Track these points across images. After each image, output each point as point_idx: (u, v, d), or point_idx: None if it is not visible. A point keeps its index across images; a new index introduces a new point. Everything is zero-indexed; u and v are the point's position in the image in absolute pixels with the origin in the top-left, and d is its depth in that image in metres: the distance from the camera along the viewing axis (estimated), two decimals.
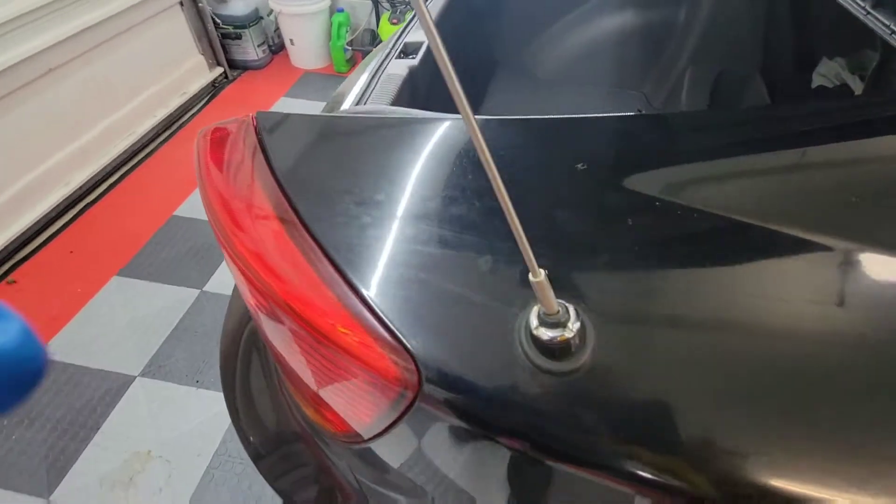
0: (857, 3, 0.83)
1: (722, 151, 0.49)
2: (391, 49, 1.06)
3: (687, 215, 0.38)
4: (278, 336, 0.41)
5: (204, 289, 1.71)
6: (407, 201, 0.39)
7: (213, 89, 2.74)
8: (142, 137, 2.29)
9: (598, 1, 1.50)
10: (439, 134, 0.47)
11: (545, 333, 0.29)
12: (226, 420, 1.37)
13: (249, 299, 0.42)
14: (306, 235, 0.35)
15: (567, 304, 0.29)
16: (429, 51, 1.06)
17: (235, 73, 2.88)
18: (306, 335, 0.34)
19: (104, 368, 1.47)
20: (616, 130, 0.51)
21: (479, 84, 1.62)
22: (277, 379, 0.65)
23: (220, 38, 2.71)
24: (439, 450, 0.35)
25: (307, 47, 2.87)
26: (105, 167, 2.11)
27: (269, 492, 1.22)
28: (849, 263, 0.36)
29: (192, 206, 2.01)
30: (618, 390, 0.29)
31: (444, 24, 1.26)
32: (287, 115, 0.45)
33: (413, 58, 1.02)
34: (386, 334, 0.31)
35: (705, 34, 1.38)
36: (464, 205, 0.39)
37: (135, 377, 1.46)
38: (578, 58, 1.62)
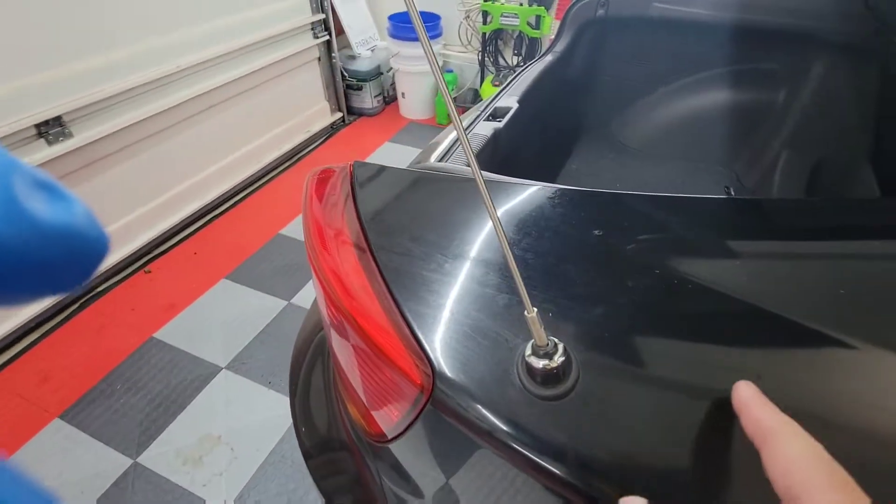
0: None
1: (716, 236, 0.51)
2: (483, 111, 1.19)
3: (678, 287, 0.42)
4: (340, 343, 0.50)
5: (291, 301, 1.91)
6: (449, 244, 0.47)
7: (332, 130, 3.13)
8: (266, 165, 2.68)
9: (694, 77, 1.53)
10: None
11: (536, 362, 0.34)
12: (286, 423, 1.50)
13: (323, 309, 0.52)
14: (371, 261, 0.44)
15: (557, 340, 0.34)
16: (514, 116, 1.17)
17: (352, 118, 3.26)
18: (358, 340, 0.42)
19: (199, 356, 1.70)
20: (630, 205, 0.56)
21: (565, 145, 1.70)
22: (335, 388, 0.74)
23: (344, 89, 3.12)
24: (445, 453, 0.40)
25: (416, 100, 3.19)
26: (234, 187, 2.49)
27: (311, 497, 1.30)
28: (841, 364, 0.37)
29: (296, 228, 2.29)
30: (591, 419, 0.33)
31: (538, 88, 1.37)
32: (376, 167, 0.56)
33: (500, 121, 1.14)
34: (414, 342, 0.39)
35: (806, 118, 1.34)
36: (491, 253, 0.46)
37: (221, 368, 1.66)
38: (669, 130, 1.65)
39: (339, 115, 3.17)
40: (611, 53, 1.56)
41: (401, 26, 2.91)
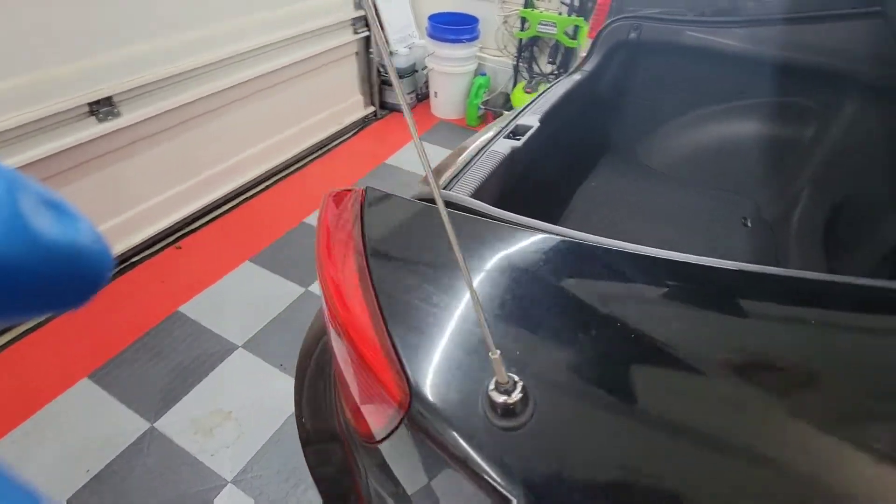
0: None
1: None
2: (504, 127, 1.23)
3: (633, 337, 0.45)
4: (337, 346, 0.55)
5: (308, 289, 1.99)
6: (439, 277, 0.51)
7: (363, 123, 3.20)
8: (298, 154, 2.77)
9: (723, 106, 1.52)
10: (476, 234, 0.58)
11: (497, 397, 0.39)
12: (293, 405, 1.58)
13: (325, 313, 0.58)
14: (369, 281, 0.49)
15: (517, 379, 0.38)
16: (533, 135, 1.19)
17: (384, 113, 3.33)
18: (350, 349, 0.47)
19: (219, 333, 1.80)
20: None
21: (586, 162, 1.72)
22: (333, 385, 0.79)
23: (379, 84, 3.18)
24: (420, 462, 0.45)
25: (448, 100, 3.23)
26: (265, 173, 2.59)
27: (307, 479, 1.38)
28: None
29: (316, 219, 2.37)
30: (541, 450, 0.37)
31: (563, 106, 1.39)
32: (386, 195, 0.60)
33: (518, 139, 1.17)
34: (397, 362, 0.43)
35: (833, 156, 1.32)
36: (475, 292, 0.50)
37: (238, 347, 1.75)
38: (694, 156, 1.64)
39: (372, 109, 3.24)
40: (641, 76, 1.57)
41: (439, 27, 2.95)
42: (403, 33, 3.16)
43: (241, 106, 2.39)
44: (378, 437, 0.53)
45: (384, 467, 0.58)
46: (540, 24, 2.74)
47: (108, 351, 1.71)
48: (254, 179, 2.53)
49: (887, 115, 1.22)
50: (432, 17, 3.02)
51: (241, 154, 2.48)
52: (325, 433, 0.82)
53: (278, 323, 1.85)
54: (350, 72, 3.02)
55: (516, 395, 0.38)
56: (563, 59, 2.87)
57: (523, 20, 2.82)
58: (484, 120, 3.22)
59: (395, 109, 3.35)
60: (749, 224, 1.44)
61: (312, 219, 2.36)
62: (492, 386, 0.40)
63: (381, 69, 3.16)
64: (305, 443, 0.84)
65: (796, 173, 1.38)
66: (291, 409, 1.57)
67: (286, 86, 2.58)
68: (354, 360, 0.47)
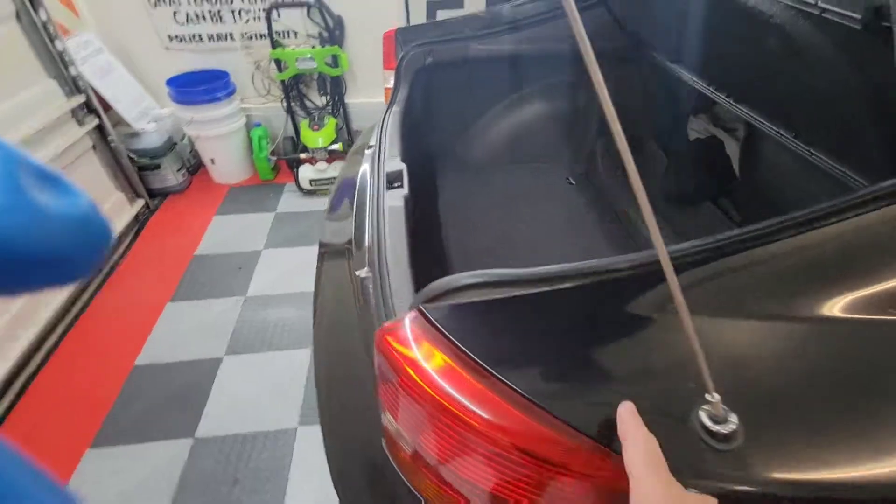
0: (720, 96, 1.18)
1: None
2: (378, 182, 1.21)
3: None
4: (480, 478, 0.50)
5: (196, 435, 1.63)
6: (580, 354, 0.52)
7: (138, 223, 2.66)
8: (74, 290, 2.16)
9: (514, 97, 1.81)
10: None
11: (716, 427, 0.45)
12: None
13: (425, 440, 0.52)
14: (516, 394, 0.47)
15: (726, 408, 0.45)
16: (409, 178, 1.23)
17: (156, 202, 2.82)
18: (521, 470, 0.45)
19: None
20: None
21: (427, 172, 1.83)
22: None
23: (137, 171, 2.67)
24: None
25: (229, 164, 2.92)
26: (40, 332, 1.95)
27: None
28: None
29: (153, 353, 1.92)
30: (757, 463, 0.45)
31: (403, 136, 1.45)
32: (445, 307, 0.54)
33: (400, 186, 1.18)
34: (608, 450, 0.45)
35: (603, 114, 1.73)
36: (622, 351, 0.53)
37: None
38: (504, 142, 1.91)
39: (141, 202, 2.71)
40: (446, 91, 1.73)
41: (185, 91, 2.62)
42: (140, 107, 2.70)
43: None
44: None
45: None
46: (297, 60, 2.69)
47: None
48: (26, 350, 1.88)
49: (626, 75, 1.65)
50: (172, 81, 2.66)
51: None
52: None
53: (187, 492, 1.48)
54: (95, 170, 2.45)
55: (732, 421, 0.45)
56: (333, 87, 2.89)
57: (278, 61, 2.72)
58: (278, 171, 3.04)
59: (167, 193, 2.87)
60: (573, 181, 1.78)
61: (145, 358, 1.90)
62: (706, 421, 0.45)
63: (132, 155, 2.65)
64: None
65: (587, 132, 1.75)
66: None
67: None
68: (547, 480, 0.45)
